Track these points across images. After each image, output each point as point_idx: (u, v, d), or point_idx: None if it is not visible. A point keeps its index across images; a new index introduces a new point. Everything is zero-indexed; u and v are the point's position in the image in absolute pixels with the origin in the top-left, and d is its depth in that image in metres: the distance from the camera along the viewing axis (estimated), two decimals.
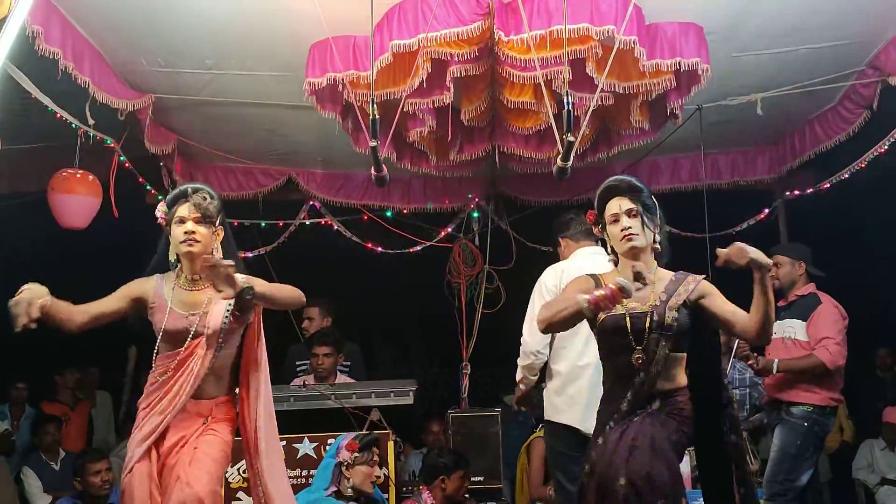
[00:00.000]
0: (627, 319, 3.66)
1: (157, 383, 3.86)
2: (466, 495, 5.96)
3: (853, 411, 8.46)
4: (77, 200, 5.83)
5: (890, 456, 8.02)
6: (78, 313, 3.81)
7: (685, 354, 3.73)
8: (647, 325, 3.63)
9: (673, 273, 3.81)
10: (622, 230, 3.70)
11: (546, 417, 4.94)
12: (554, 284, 4.79)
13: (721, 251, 3.62)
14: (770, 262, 3.61)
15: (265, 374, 4.13)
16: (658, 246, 3.79)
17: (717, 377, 3.89)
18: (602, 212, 3.80)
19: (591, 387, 4.56)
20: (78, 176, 5.81)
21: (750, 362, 5.86)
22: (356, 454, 5.10)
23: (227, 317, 3.82)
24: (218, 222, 3.92)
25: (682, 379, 3.71)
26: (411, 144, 6.08)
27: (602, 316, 3.69)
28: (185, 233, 3.82)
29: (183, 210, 3.85)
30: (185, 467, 3.72)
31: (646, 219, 3.73)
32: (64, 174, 5.80)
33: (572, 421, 4.73)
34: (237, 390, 4.09)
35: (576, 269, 4.54)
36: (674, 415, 3.65)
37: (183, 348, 3.82)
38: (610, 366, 3.78)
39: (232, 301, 3.76)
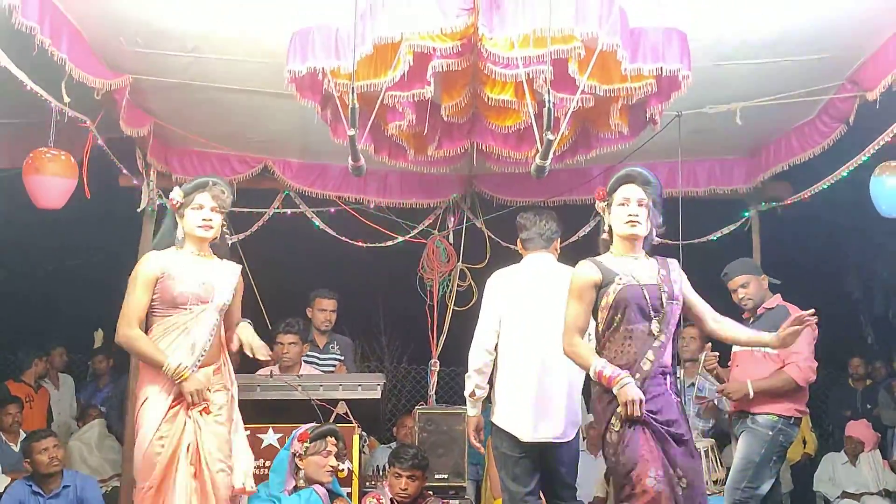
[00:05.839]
0: (644, 290, 4.05)
1: (165, 341, 4.31)
2: (430, 493, 5.93)
3: (820, 422, 8.54)
4: (52, 181, 5.74)
5: (851, 470, 8.10)
6: (140, 327, 4.34)
7: None
8: (658, 293, 4.06)
9: (650, 256, 4.26)
10: (629, 215, 4.12)
11: (492, 419, 5.02)
12: (492, 295, 5.05)
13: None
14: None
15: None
16: (654, 240, 4.29)
17: None
18: (612, 193, 4.21)
19: (533, 393, 4.67)
20: (54, 156, 5.72)
21: (721, 388, 5.90)
22: (307, 444, 5.09)
23: (232, 291, 4.50)
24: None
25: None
26: (390, 138, 6.05)
27: (614, 290, 4.06)
28: (203, 219, 4.39)
29: (202, 198, 4.40)
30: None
31: (651, 212, 4.16)
32: (39, 154, 5.71)
33: (516, 430, 4.87)
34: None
35: (516, 280, 5.02)
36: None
37: (189, 312, 4.33)
38: (621, 335, 4.06)
39: (237, 276, 4.54)
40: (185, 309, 4.32)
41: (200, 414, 4.30)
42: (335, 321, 7.09)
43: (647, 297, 4.04)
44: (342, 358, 6.93)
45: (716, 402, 6.52)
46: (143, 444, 4.22)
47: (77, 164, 5.84)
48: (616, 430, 3.97)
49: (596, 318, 4.18)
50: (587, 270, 4.15)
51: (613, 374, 3.93)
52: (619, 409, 3.94)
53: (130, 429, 6.77)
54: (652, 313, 4.05)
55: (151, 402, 4.25)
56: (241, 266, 4.64)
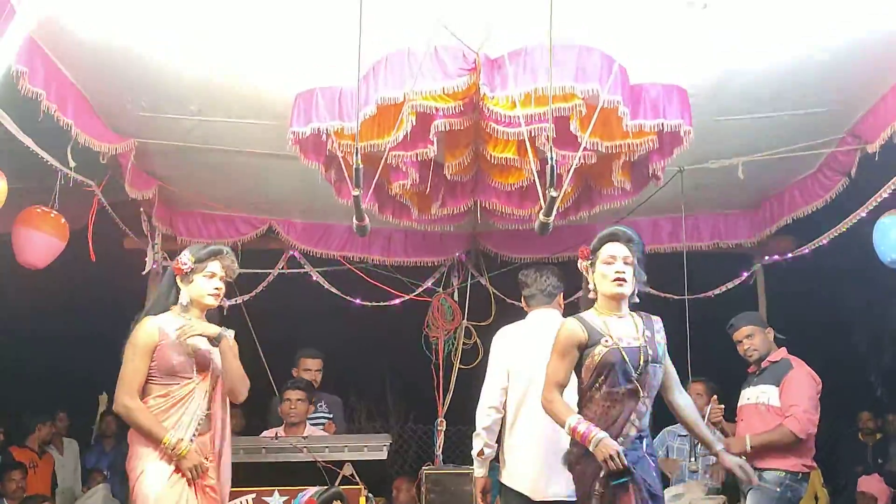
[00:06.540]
0: (623, 353, 4.03)
1: (166, 417, 4.20)
2: None
3: (832, 477, 8.44)
4: (39, 237, 5.73)
5: None
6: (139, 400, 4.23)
7: None
8: (641, 357, 4.05)
9: (635, 313, 4.25)
10: (616, 272, 4.11)
11: (501, 479, 4.98)
12: (498, 352, 5.03)
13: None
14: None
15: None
16: (637, 298, 4.23)
17: None
18: (596, 251, 4.22)
19: (543, 450, 4.63)
20: (44, 212, 5.73)
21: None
22: None
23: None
24: None
25: None
26: (393, 197, 6.07)
27: (600, 352, 4.05)
28: (216, 288, 4.40)
29: (215, 267, 4.40)
30: None
31: (636, 270, 4.16)
32: (31, 210, 5.73)
33: (526, 489, 4.80)
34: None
35: (521, 337, 4.98)
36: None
37: (190, 381, 4.26)
38: (602, 397, 4.06)
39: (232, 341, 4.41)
40: (185, 378, 4.26)
41: (200, 488, 4.24)
42: (321, 380, 7.03)
43: (631, 360, 4.04)
44: (331, 416, 6.89)
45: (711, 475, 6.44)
46: None
47: (81, 228, 5.86)
48: (599, 492, 3.95)
49: (579, 377, 4.17)
50: (574, 329, 4.14)
51: (587, 430, 3.92)
52: (601, 473, 3.92)
53: None
54: (635, 376, 4.04)
55: (151, 475, 4.14)
56: (233, 331, 4.55)
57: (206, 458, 4.27)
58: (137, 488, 4.15)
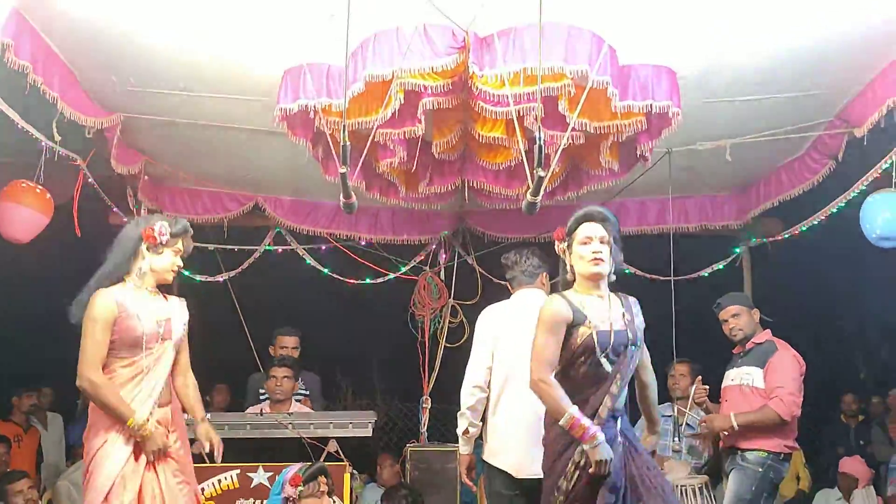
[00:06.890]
0: (605, 336, 4.03)
1: (128, 388, 4.15)
2: None
3: (814, 458, 8.50)
4: (23, 212, 5.67)
5: None
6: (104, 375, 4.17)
7: None
8: (622, 341, 4.06)
9: (613, 293, 4.22)
10: (593, 252, 4.09)
11: (484, 457, 4.97)
12: (483, 331, 5.02)
13: None
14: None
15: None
16: (614, 277, 4.21)
17: None
18: (572, 232, 4.18)
19: (527, 429, 4.62)
20: (28, 187, 5.67)
21: (704, 419, 5.89)
22: (301, 487, 5.02)
23: (184, 326, 4.42)
24: None
25: None
26: (381, 175, 6.06)
27: (583, 334, 4.03)
28: (178, 265, 4.42)
29: (180, 244, 4.41)
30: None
31: (612, 249, 4.14)
32: (16, 184, 5.68)
33: (509, 467, 4.80)
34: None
35: (506, 316, 4.97)
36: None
37: (151, 352, 4.22)
38: (580, 377, 4.06)
39: (186, 309, 4.48)
40: (146, 349, 4.20)
41: (164, 462, 4.20)
42: (298, 357, 7.01)
43: (613, 343, 4.03)
44: (307, 392, 6.90)
45: (700, 442, 6.48)
46: (97, 497, 4.01)
47: (67, 203, 5.82)
48: (571, 480, 3.95)
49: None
50: (560, 307, 4.07)
51: (589, 430, 3.86)
52: (577, 459, 3.93)
53: None
54: (614, 359, 4.03)
55: (110, 450, 4.07)
56: (185, 299, 4.56)
57: (168, 429, 4.23)
58: (94, 466, 4.08)
